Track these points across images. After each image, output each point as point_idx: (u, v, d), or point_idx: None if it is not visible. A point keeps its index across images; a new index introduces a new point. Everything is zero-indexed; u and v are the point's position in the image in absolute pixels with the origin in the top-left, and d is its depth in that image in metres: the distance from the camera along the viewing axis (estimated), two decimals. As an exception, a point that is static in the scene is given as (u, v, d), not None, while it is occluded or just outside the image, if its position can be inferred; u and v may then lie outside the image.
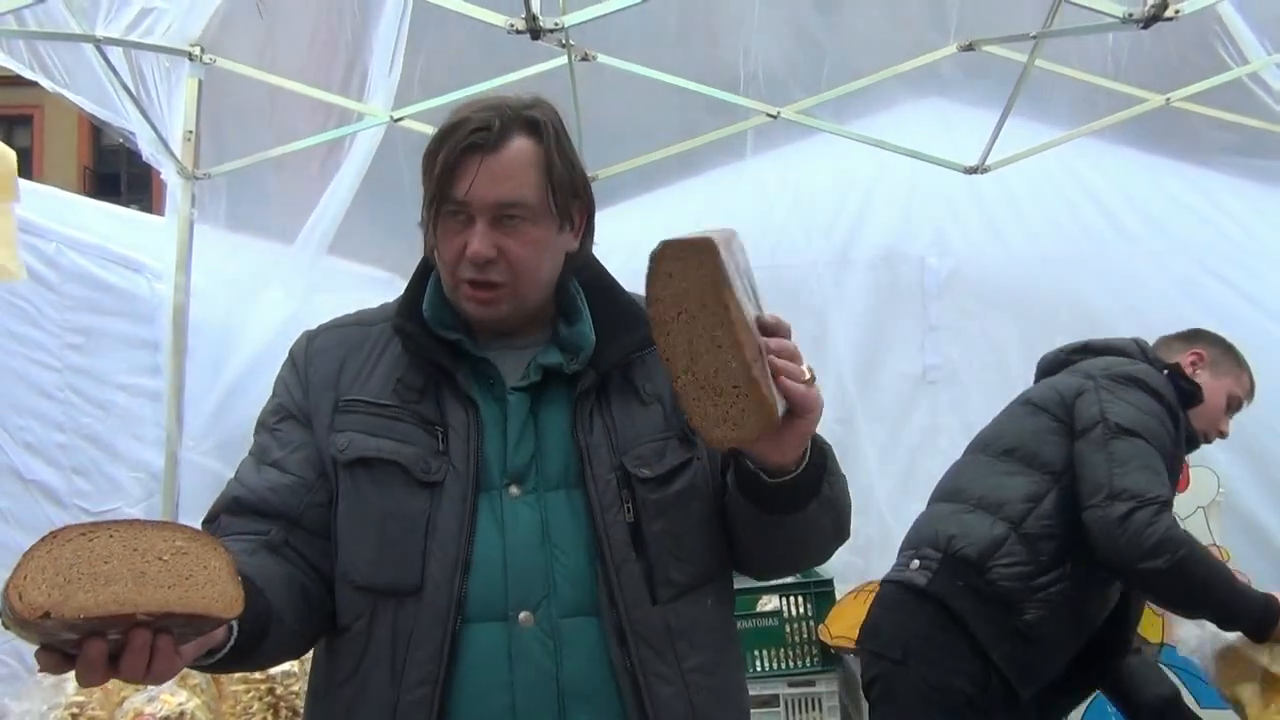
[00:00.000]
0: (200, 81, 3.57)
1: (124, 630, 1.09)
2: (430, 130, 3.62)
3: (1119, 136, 3.88)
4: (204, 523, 1.47)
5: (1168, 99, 3.62)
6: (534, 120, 1.43)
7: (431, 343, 1.45)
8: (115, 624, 1.08)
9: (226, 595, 1.14)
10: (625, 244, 4.29)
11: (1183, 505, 3.13)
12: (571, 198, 1.47)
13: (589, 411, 1.45)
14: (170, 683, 2.49)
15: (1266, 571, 3.40)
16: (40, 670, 1.19)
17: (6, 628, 1.09)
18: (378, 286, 4.27)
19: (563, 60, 3.45)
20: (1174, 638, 3.13)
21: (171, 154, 3.54)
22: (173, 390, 3.51)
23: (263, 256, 3.97)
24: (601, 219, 4.63)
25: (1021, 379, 3.77)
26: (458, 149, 1.40)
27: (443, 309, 1.48)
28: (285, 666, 2.73)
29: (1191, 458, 3.20)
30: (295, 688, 2.76)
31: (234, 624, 1.23)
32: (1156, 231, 3.94)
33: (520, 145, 1.42)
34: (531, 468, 1.43)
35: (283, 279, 3.77)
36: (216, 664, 1.30)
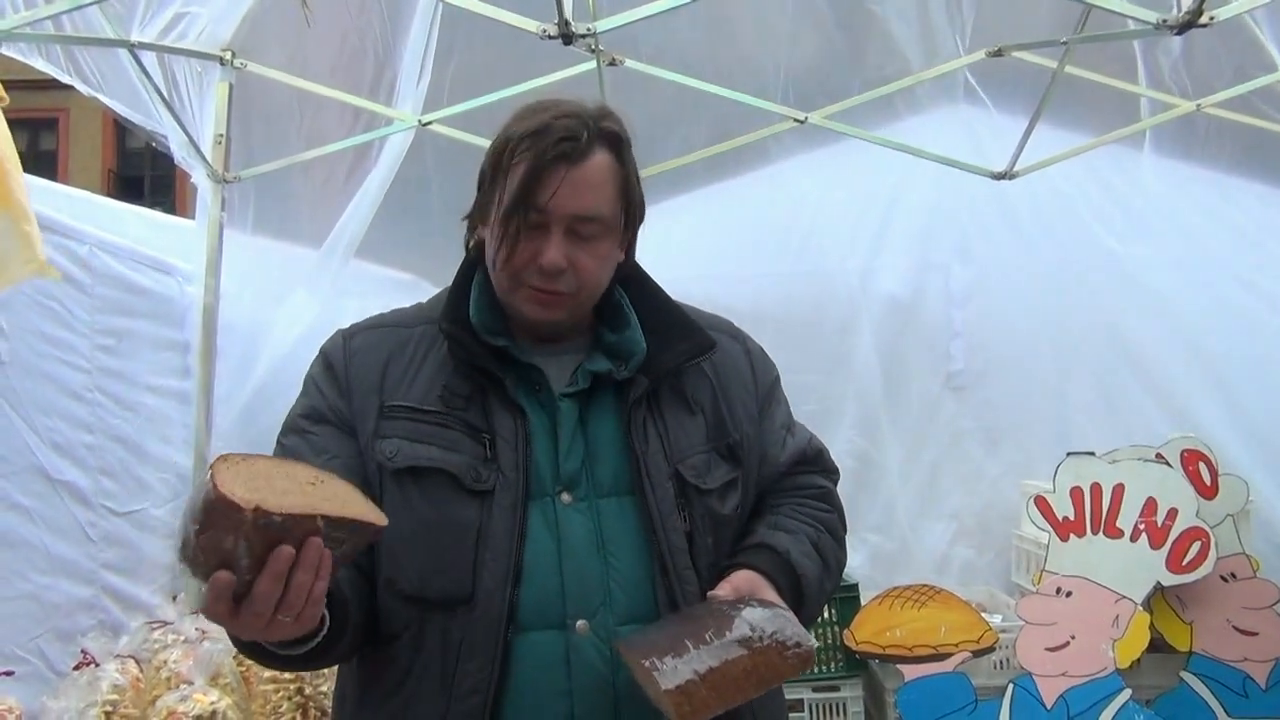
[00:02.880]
0: (231, 86, 3.60)
1: (300, 538, 1.15)
2: (459, 135, 3.69)
3: (1149, 143, 3.86)
4: None
5: (1198, 105, 3.60)
6: (615, 135, 1.43)
7: (480, 349, 1.44)
8: (301, 525, 1.15)
9: (374, 510, 1.23)
10: (652, 247, 4.31)
11: (1211, 514, 3.11)
12: (638, 213, 1.48)
13: (642, 419, 1.45)
14: (201, 681, 2.50)
15: (1296, 580, 3.38)
16: (197, 610, 1.26)
17: (185, 559, 1.17)
18: (404, 290, 4.29)
19: (591, 65, 3.46)
20: (1203, 646, 3.11)
21: (202, 157, 3.57)
22: (202, 392, 3.53)
23: (290, 260, 3.99)
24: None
25: (1045, 386, 3.78)
26: (546, 157, 1.38)
27: (489, 313, 1.47)
28: (315, 667, 2.75)
29: (1221, 466, 3.19)
30: (324, 688, 2.78)
31: (326, 613, 1.26)
32: (1184, 239, 3.92)
33: (602, 159, 1.42)
34: (583, 474, 1.43)
35: (310, 283, 3.79)
36: (304, 656, 1.31)
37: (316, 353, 1.54)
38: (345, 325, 1.56)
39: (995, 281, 3.81)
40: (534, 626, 1.38)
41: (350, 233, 3.74)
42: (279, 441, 1.49)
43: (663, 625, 1.37)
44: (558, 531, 1.40)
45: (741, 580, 1.41)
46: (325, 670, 2.78)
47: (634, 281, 1.54)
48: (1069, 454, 3.16)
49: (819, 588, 1.50)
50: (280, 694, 2.70)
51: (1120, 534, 3.08)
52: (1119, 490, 3.11)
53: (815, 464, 1.62)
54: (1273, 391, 3.74)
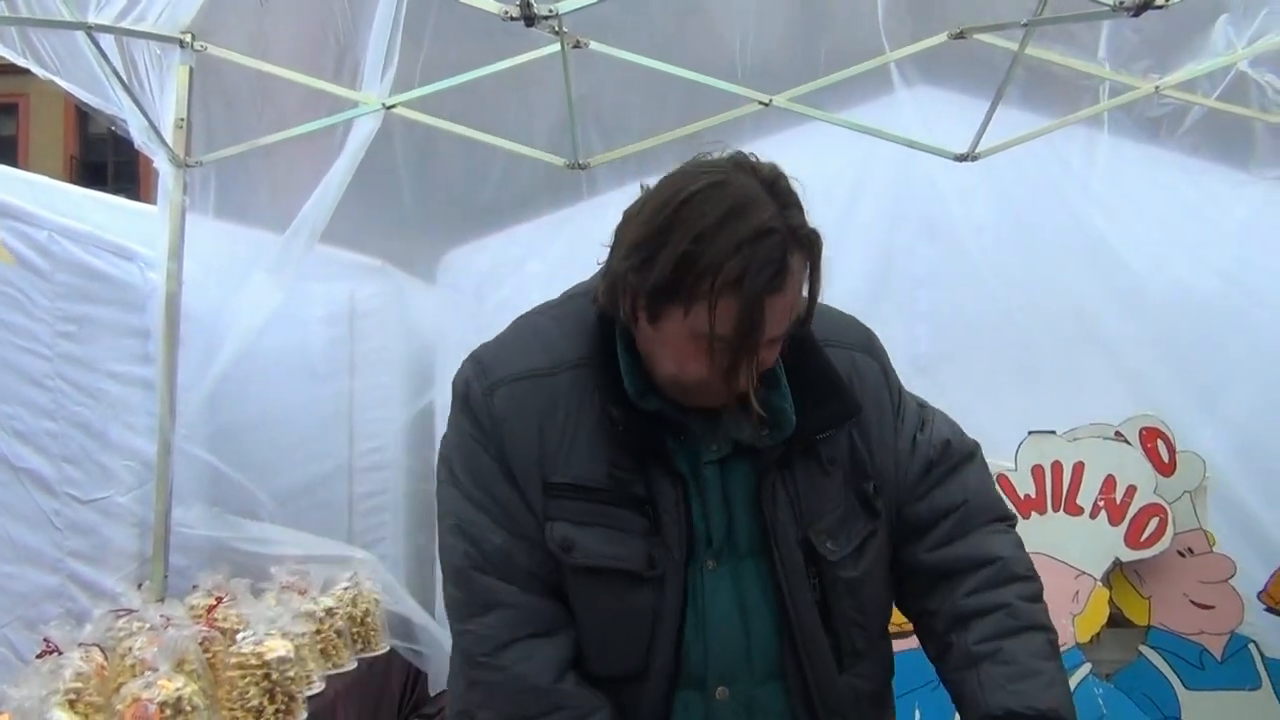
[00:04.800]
0: (191, 69, 3.57)
1: None
2: (427, 119, 3.67)
3: (1108, 125, 3.90)
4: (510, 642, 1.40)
5: (1156, 87, 3.64)
6: (811, 239, 1.30)
7: (645, 424, 1.38)
8: None
9: None
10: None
11: (1169, 490, 3.17)
12: (818, 292, 1.35)
13: (772, 481, 1.40)
14: (165, 668, 2.50)
15: (1251, 555, 3.45)
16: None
17: None
18: (372, 276, 4.29)
19: (556, 48, 3.46)
20: (1161, 620, 3.17)
21: (163, 141, 3.53)
22: (166, 378, 3.51)
23: (253, 245, 3.96)
24: (595, 206, 4.63)
25: (1009, 366, 3.81)
26: (755, 294, 1.25)
27: (634, 377, 1.39)
28: (280, 652, 2.75)
29: (1178, 443, 3.25)
30: (291, 673, 2.78)
31: None
32: (1143, 220, 3.95)
33: (795, 273, 1.29)
34: (726, 539, 1.41)
35: (274, 268, 3.77)
36: None
37: (451, 389, 1.46)
38: (473, 351, 1.49)
39: (959, 263, 3.84)
40: (683, 687, 1.41)
41: (315, 218, 3.71)
42: (451, 482, 1.43)
43: None
44: (704, 599, 1.40)
45: None
46: (292, 656, 2.80)
47: (792, 337, 1.40)
48: (1030, 432, 3.21)
49: (1061, 683, 1.44)
50: (247, 680, 2.69)
51: (1080, 511, 3.13)
52: (1079, 468, 3.17)
53: (943, 461, 1.54)
54: (1229, 369, 3.80)
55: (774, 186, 1.29)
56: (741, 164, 1.32)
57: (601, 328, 1.41)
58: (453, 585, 1.43)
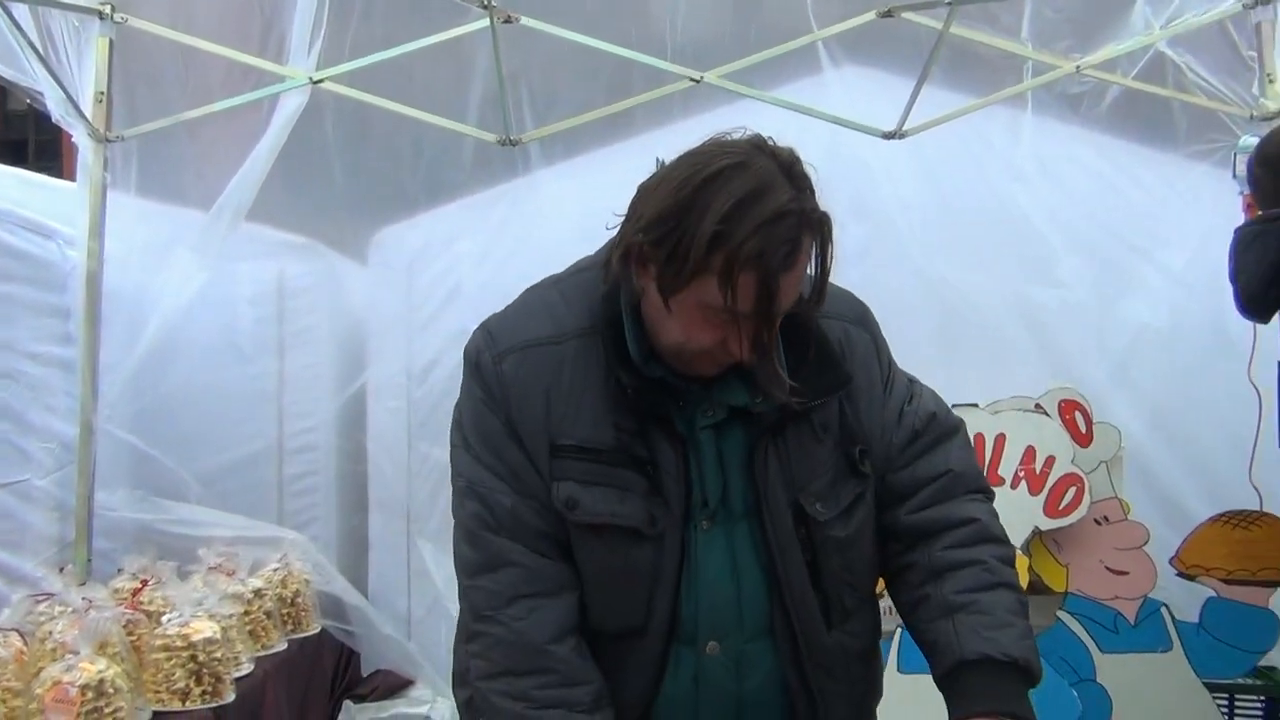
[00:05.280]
0: (111, 41, 3.49)
1: None
2: (355, 94, 3.62)
3: (1031, 104, 3.97)
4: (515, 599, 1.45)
5: (1078, 67, 3.72)
6: (822, 221, 1.36)
7: (649, 388, 1.43)
8: None
9: None
10: (552, 209, 4.31)
11: (1086, 460, 3.26)
12: (827, 273, 1.40)
13: (765, 446, 1.46)
14: (87, 650, 2.46)
15: (1164, 522, 3.56)
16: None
17: None
18: (301, 254, 4.23)
19: (485, 23, 3.44)
20: (1078, 586, 3.27)
21: (82, 116, 3.45)
22: (87, 359, 3.44)
23: (177, 223, 3.89)
24: (528, 183, 4.61)
25: (934, 340, 3.88)
26: (771, 270, 1.31)
27: (639, 344, 1.45)
28: (207, 634, 2.72)
29: (1095, 415, 3.34)
30: (218, 654, 2.75)
31: None
32: (1068, 199, 4.04)
33: (806, 252, 1.36)
34: (720, 501, 1.47)
35: (199, 247, 3.70)
36: None
37: (463, 357, 1.51)
38: (483, 322, 1.53)
39: (887, 239, 3.89)
40: (677, 642, 1.46)
41: (241, 195, 3.66)
42: (464, 446, 1.48)
43: None
44: (698, 558, 1.45)
45: None
46: (219, 637, 2.77)
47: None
48: (953, 406, 3.26)
49: (1030, 637, 1.50)
50: (173, 661, 2.66)
51: (1002, 482, 3.21)
52: (1000, 440, 3.24)
53: (928, 432, 1.58)
54: (1144, 342, 3.90)
55: (791, 170, 1.35)
56: (761, 146, 1.37)
57: (607, 299, 1.46)
58: (464, 544, 1.49)
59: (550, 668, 1.43)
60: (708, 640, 1.46)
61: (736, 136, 1.39)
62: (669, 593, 1.44)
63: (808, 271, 1.38)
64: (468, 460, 1.48)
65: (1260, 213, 2.72)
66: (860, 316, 1.60)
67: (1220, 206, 2.76)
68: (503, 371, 1.46)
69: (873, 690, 1.62)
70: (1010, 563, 1.54)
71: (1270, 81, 3.70)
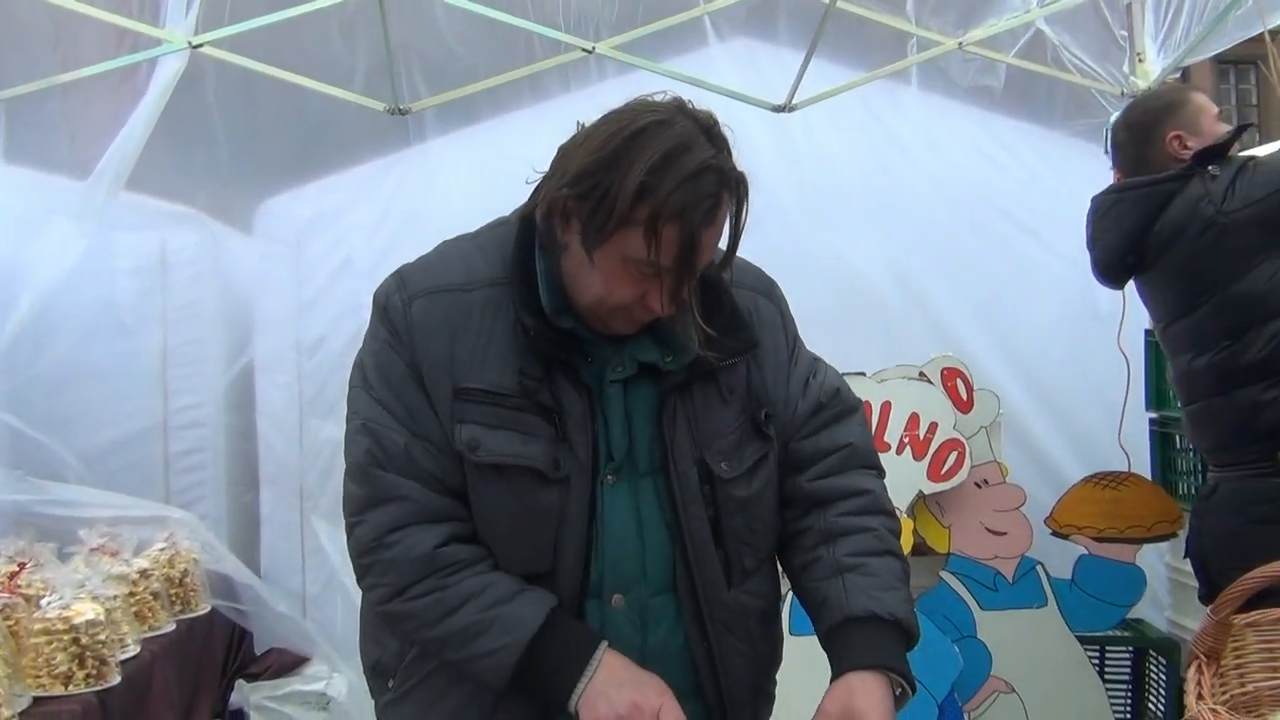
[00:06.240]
0: (-27, 1, 3.32)
1: None
2: (237, 59, 3.52)
3: (916, 79, 4.07)
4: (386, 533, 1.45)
5: (960, 44, 3.82)
6: (740, 180, 1.40)
7: (556, 336, 1.45)
8: None
9: None
10: (445, 179, 4.26)
11: (967, 426, 3.38)
12: (738, 237, 1.45)
13: (673, 404, 1.49)
14: (-36, 638, 2.37)
15: (1040, 484, 3.72)
16: None
17: None
18: (184, 224, 4.10)
19: (372, -11, 3.37)
20: (959, 547, 3.40)
21: (-57, 79, 3.28)
22: (-45, 335, 3.29)
23: (52, 191, 3.73)
24: (420, 153, 4.53)
25: (823, 311, 3.97)
26: (694, 225, 1.36)
27: (552, 295, 1.47)
28: (89, 615, 2.65)
29: (976, 381, 3.46)
30: (102, 636, 2.68)
31: None
32: (952, 173, 4.15)
33: (725, 208, 1.39)
34: (626, 456, 1.48)
35: (76, 216, 3.56)
36: None
37: (371, 301, 1.51)
38: (398, 268, 1.53)
39: (777, 212, 3.95)
40: (587, 595, 1.48)
41: (120, 163, 3.51)
42: (363, 386, 1.48)
43: None
44: (604, 511, 1.47)
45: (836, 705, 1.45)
46: (102, 619, 2.70)
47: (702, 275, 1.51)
48: (842, 374, 3.35)
49: (911, 603, 1.56)
50: (54, 645, 2.58)
51: (888, 448, 3.31)
52: (886, 407, 3.34)
53: (831, 406, 1.63)
54: (1023, 310, 4.05)
55: (710, 131, 1.39)
56: (682, 108, 1.41)
57: (520, 251, 1.49)
58: (353, 481, 1.49)
59: (449, 561, 1.45)
60: (613, 593, 1.49)
61: (659, 98, 1.43)
62: (577, 543, 1.46)
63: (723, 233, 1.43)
64: (365, 399, 1.49)
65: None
66: (769, 289, 1.66)
67: (1095, 182, 2.88)
68: (411, 314, 1.47)
69: (773, 653, 1.66)
70: (897, 535, 1.62)
71: (1140, 61, 3.87)
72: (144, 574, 3.19)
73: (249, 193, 4.17)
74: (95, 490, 3.59)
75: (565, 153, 1.44)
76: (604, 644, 1.45)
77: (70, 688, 2.60)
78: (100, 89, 3.74)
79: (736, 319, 1.54)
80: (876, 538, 1.56)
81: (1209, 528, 2.60)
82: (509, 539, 1.47)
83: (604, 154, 1.37)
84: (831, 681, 1.49)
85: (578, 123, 1.45)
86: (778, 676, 1.69)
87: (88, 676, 2.62)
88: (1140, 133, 2.74)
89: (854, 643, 1.50)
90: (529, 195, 1.51)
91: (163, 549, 3.41)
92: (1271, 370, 2.43)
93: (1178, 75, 4.15)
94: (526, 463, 1.43)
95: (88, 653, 2.61)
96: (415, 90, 3.84)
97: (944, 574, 3.39)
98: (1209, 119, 2.70)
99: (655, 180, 1.34)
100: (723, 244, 1.45)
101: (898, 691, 1.48)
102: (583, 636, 1.45)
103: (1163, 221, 2.59)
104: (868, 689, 1.45)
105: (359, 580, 1.51)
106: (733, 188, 1.39)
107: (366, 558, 1.47)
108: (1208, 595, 2.54)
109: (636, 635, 1.49)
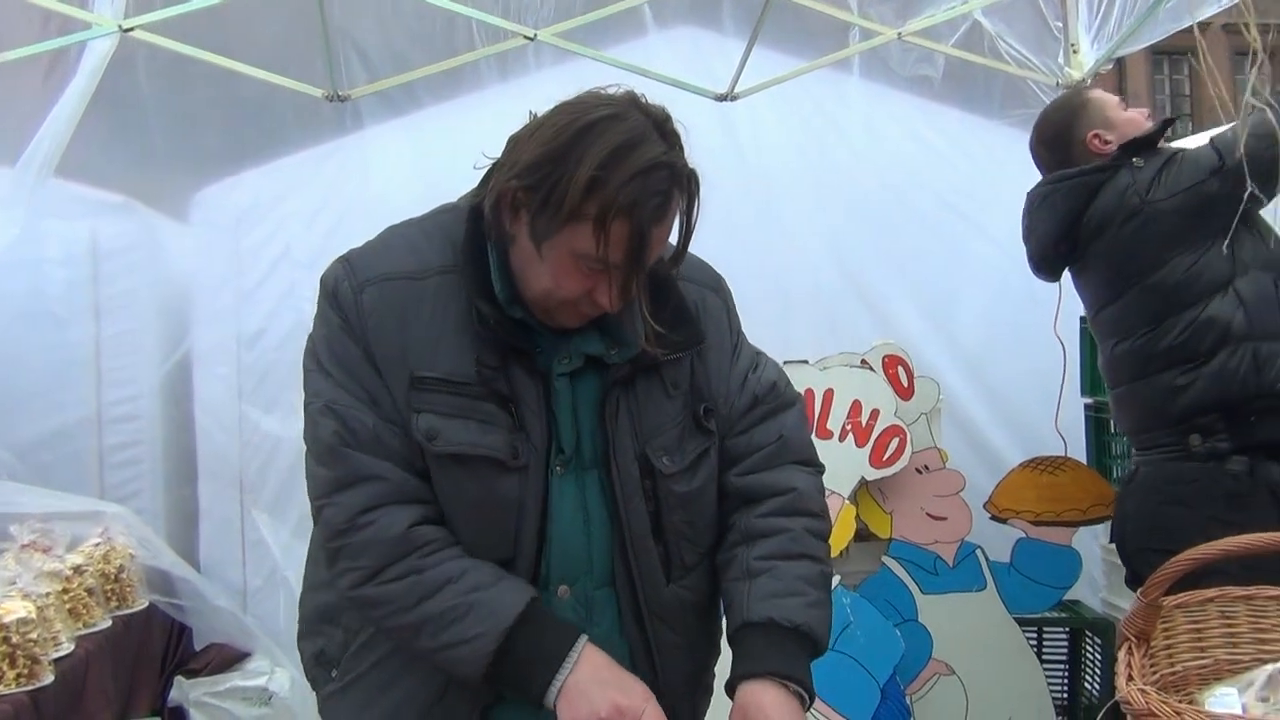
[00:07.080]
0: (-109, -19, 3.20)
1: None
2: (170, 44, 3.44)
3: (858, 68, 4.10)
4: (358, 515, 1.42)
5: (900, 34, 3.85)
6: (690, 177, 1.39)
7: (510, 324, 1.44)
8: None
9: None
10: (385, 167, 4.20)
11: (908, 412, 3.43)
12: (689, 235, 1.44)
13: (616, 398, 1.48)
14: (-111, 639, 2.30)
15: (979, 469, 3.79)
16: None
17: None
18: (115, 213, 4.00)
19: (309, -26, 3.31)
20: (901, 532, 3.44)
21: None
22: (-124, 326, 3.19)
23: (-24, 178, 3.62)
24: (359, 140, 4.46)
25: (766, 300, 3.99)
26: (644, 222, 1.35)
27: (504, 284, 1.45)
28: (20, 614, 2.58)
29: (916, 369, 3.51)
30: (34, 635, 2.62)
31: None
32: (893, 162, 4.19)
33: (675, 205, 1.38)
34: (574, 448, 1.48)
35: (3, 203, 3.46)
36: None
37: (319, 286, 1.48)
38: (342, 253, 1.50)
39: (720, 200, 3.95)
40: (538, 585, 1.47)
41: (48, 149, 3.42)
42: (319, 370, 1.45)
43: None
44: (552, 502, 1.47)
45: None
46: (34, 617, 2.64)
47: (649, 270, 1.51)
48: (785, 362, 3.36)
49: (822, 608, 1.54)
50: (-16, 645, 2.52)
51: (830, 435, 3.34)
52: (829, 394, 3.37)
53: (767, 400, 1.62)
54: (962, 297, 4.11)
55: (663, 127, 1.39)
56: (635, 102, 1.40)
57: (472, 240, 1.47)
58: (319, 463, 1.45)
59: (425, 541, 1.43)
60: (559, 584, 1.49)
61: (613, 91, 1.42)
62: (533, 528, 1.46)
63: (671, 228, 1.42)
64: (325, 382, 1.45)
65: None
66: (716, 284, 1.65)
67: (1031, 171, 2.92)
68: (362, 301, 1.44)
69: (711, 647, 1.67)
70: (821, 536, 1.59)
71: (1074, 52, 3.93)
72: (78, 570, 3.13)
73: (184, 180, 4.09)
74: (24, 485, 3.50)
75: (516, 143, 1.42)
76: (584, 637, 1.43)
77: (1, 687, 2.54)
78: (27, 73, 3.63)
79: (683, 314, 1.54)
80: (792, 539, 1.55)
81: (1129, 510, 2.67)
82: (472, 527, 1.45)
83: (554, 146, 1.35)
84: (727, 685, 1.50)
85: (530, 112, 1.43)
86: (716, 670, 1.68)
87: (19, 676, 2.56)
88: (1058, 144, 2.80)
89: (750, 650, 1.49)
90: (478, 182, 1.50)
91: (97, 544, 3.34)
92: (1187, 356, 2.51)
93: (1110, 66, 4.21)
94: (486, 452, 1.42)
95: (19, 651, 2.56)
96: (354, 77, 3.79)
97: (886, 559, 3.43)
98: (1114, 109, 2.77)
99: (605, 175, 1.32)
100: (673, 240, 1.44)
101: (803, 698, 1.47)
102: (563, 628, 1.43)
103: (1092, 210, 2.65)
104: (760, 702, 1.44)
105: (328, 566, 1.47)
106: (684, 184, 1.38)
107: (336, 541, 1.44)
108: (1131, 578, 2.60)
109: (582, 627, 1.49)
